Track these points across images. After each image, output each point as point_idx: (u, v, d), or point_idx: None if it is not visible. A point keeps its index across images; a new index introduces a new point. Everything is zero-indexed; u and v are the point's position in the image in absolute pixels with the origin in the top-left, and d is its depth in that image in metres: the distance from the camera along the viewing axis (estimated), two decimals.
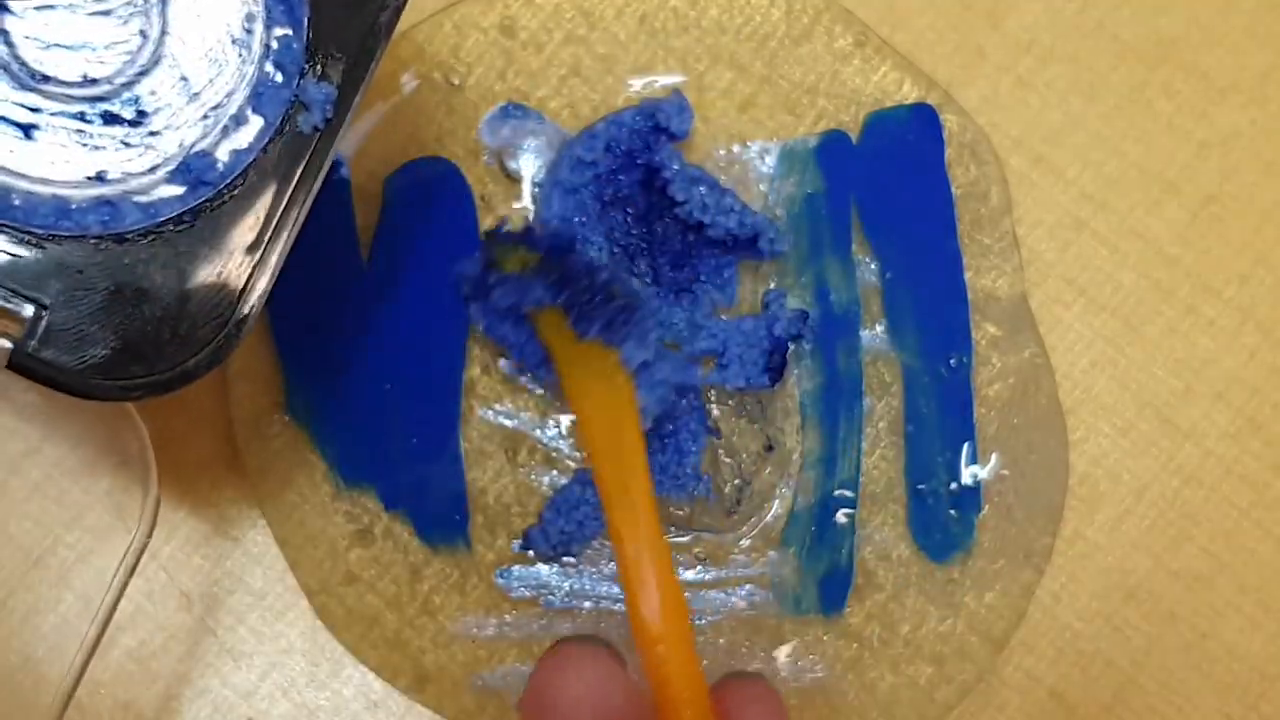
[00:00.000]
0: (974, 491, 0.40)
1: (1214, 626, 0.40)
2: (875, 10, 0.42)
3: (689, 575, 0.39)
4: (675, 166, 0.39)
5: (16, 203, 0.30)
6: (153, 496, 0.36)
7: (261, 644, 0.39)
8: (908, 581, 0.39)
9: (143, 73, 0.31)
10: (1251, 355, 0.41)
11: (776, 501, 0.40)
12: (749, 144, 0.41)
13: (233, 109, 0.31)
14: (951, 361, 0.40)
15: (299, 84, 0.31)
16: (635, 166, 0.40)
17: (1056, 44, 0.42)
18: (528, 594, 0.39)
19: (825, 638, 0.39)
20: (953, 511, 0.39)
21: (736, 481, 0.40)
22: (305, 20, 0.31)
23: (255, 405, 0.39)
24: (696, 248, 0.40)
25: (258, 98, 0.31)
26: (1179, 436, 0.41)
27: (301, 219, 0.31)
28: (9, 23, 0.30)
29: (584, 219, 0.39)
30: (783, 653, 0.39)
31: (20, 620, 0.39)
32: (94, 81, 0.31)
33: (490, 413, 0.40)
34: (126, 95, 0.31)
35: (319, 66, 0.31)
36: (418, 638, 0.39)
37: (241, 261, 0.31)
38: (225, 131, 0.31)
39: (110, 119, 0.31)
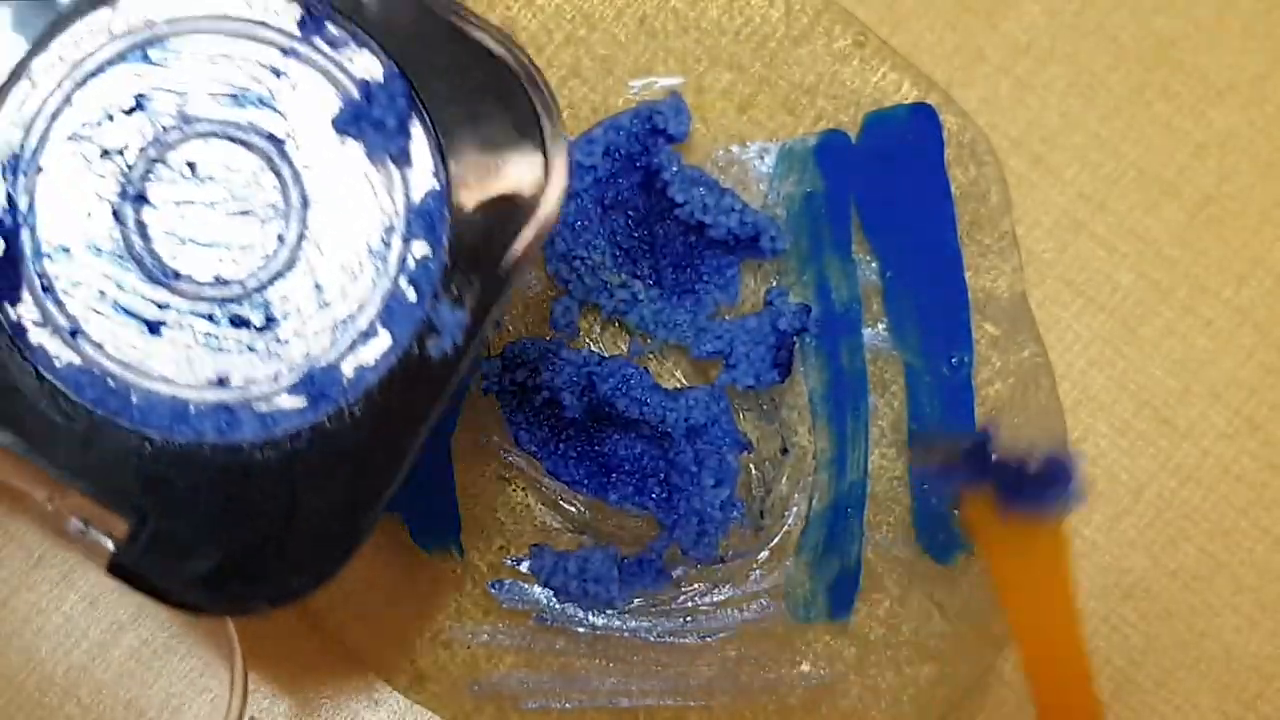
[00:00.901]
0: None
1: (1211, 625, 0.40)
2: (874, 11, 0.41)
3: (709, 600, 0.39)
4: (674, 168, 0.39)
5: (134, 401, 0.29)
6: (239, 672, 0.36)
7: (262, 644, 0.39)
8: (911, 582, 0.39)
9: (276, 277, 0.29)
10: (1249, 355, 0.41)
11: (794, 509, 0.39)
12: (748, 144, 0.40)
13: (363, 323, 0.29)
14: (953, 360, 0.39)
15: (432, 305, 0.29)
16: (634, 170, 0.39)
17: (1055, 45, 0.42)
18: (521, 608, 0.39)
19: (830, 641, 0.39)
20: (956, 512, 0.39)
21: (760, 493, 0.39)
22: (446, 240, 0.30)
23: None
24: (698, 248, 0.39)
25: (389, 314, 0.29)
26: (1176, 436, 0.41)
27: (420, 444, 0.29)
28: (148, 216, 0.29)
29: (585, 223, 0.39)
30: (793, 661, 0.39)
31: (22, 620, 0.39)
32: (226, 282, 0.29)
33: (485, 439, 0.39)
34: (257, 299, 0.29)
35: (454, 289, 0.29)
36: (416, 638, 0.38)
37: (355, 482, 0.29)
38: (353, 346, 0.29)
39: (238, 322, 0.29)
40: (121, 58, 0.29)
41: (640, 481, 0.39)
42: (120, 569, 0.28)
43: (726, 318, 0.40)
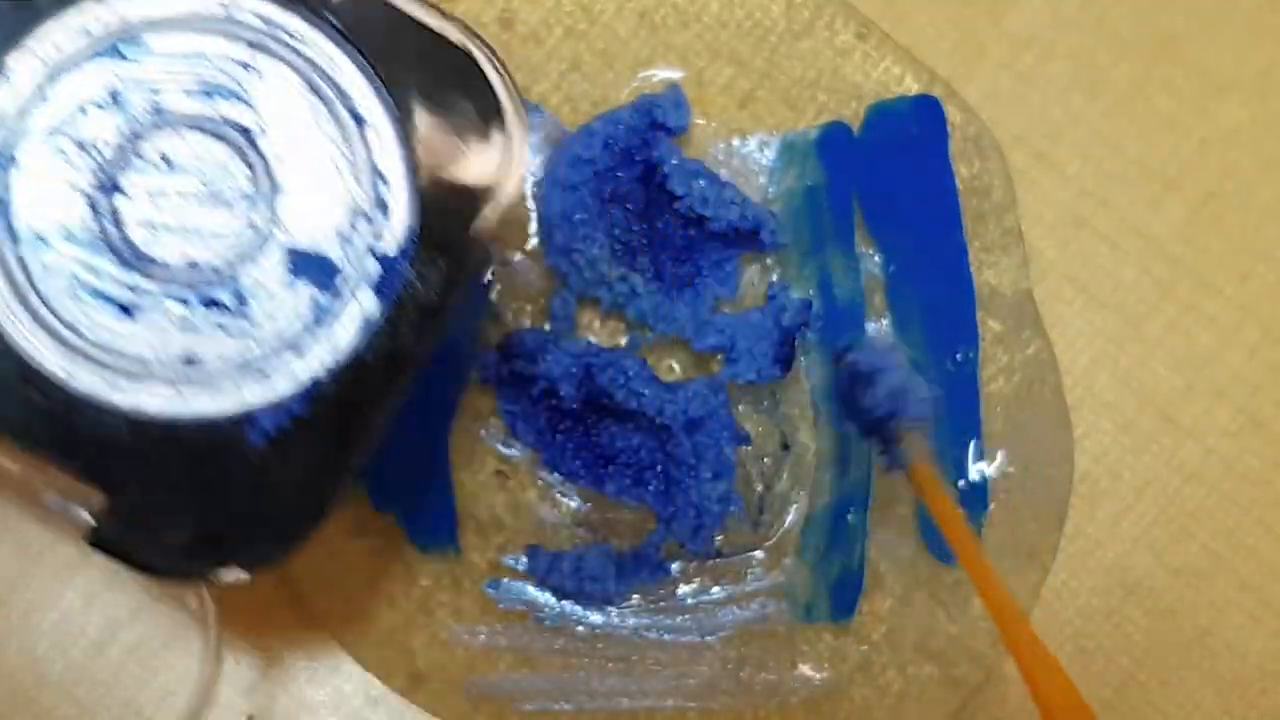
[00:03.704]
0: (981, 490, 0.38)
1: (1214, 623, 0.39)
2: (875, 5, 0.40)
3: (709, 598, 0.38)
4: (673, 161, 0.37)
5: (109, 381, 0.29)
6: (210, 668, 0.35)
7: (262, 639, 0.38)
8: (916, 583, 0.38)
9: (247, 260, 0.30)
10: (1252, 353, 0.39)
11: (794, 508, 0.38)
12: (748, 138, 0.39)
13: (331, 303, 0.30)
14: (958, 357, 0.38)
15: (398, 284, 0.30)
16: (634, 163, 0.38)
17: (1057, 40, 0.41)
18: (518, 607, 0.37)
19: (834, 642, 0.37)
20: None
21: (760, 488, 0.38)
22: (411, 221, 0.30)
23: None
24: (697, 242, 0.38)
25: (356, 293, 0.30)
26: (1180, 434, 0.39)
27: (388, 418, 0.30)
28: (122, 204, 0.30)
29: (584, 217, 0.37)
30: (794, 662, 0.38)
31: (20, 617, 0.37)
32: (198, 266, 0.30)
33: (483, 433, 0.38)
34: (228, 281, 0.30)
35: (420, 269, 0.30)
36: (414, 637, 0.37)
37: (326, 454, 0.30)
38: (322, 324, 0.30)
39: (210, 303, 0.30)
40: (96, 54, 0.30)
41: (637, 474, 0.37)
42: (100, 541, 0.29)
43: (726, 312, 0.38)
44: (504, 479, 0.38)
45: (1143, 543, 0.39)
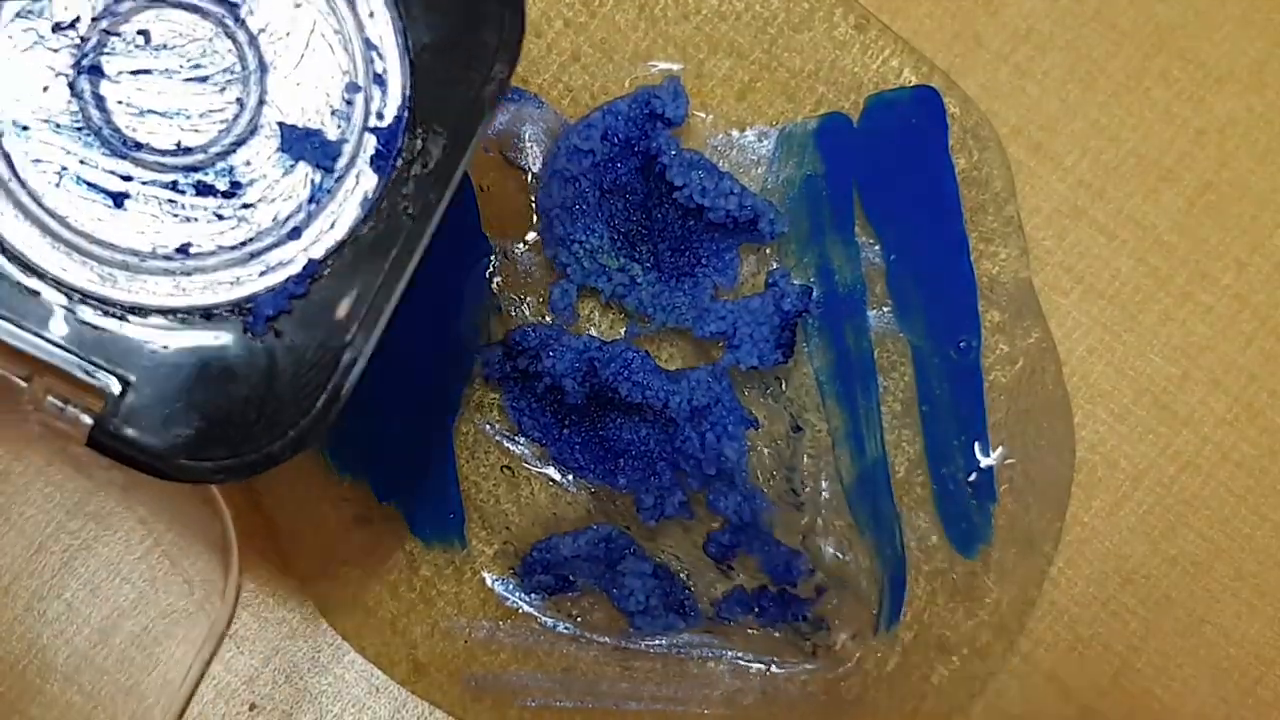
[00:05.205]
0: (989, 479, 0.37)
1: (1211, 611, 0.38)
2: None
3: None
4: (672, 152, 0.37)
5: (104, 272, 0.28)
6: (233, 581, 0.35)
7: (264, 629, 0.37)
8: (935, 576, 0.37)
9: (238, 143, 0.28)
10: (1249, 342, 0.39)
11: (825, 482, 0.37)
12: (747, 130, 0.38)
13: (329, 183, 0.28)
14: (960, 344, 0.37)
15: (398, 158, 0.28)
16: (633, 154, 0.37)
17: (1054, 32, 0.40)
18: (526, 610, 0.37)
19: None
20: (973, 501, 0.37)
21: (780, 471, 0.37)
22: (407, 94, 0.28)
23: None
24: (696, 232, 0.37)
25: (355, 170, 0.28)
26: (1176, 423, 0.39)
27: (396, 301, 0.28)
28: (104, 88, 0.28)
29: (583, 207, 0.37)
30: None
31: (24, 607, 0.37)
32: (188, 150, 0.28)
33: (489, 428, 0.37)
34: (221, 165, 0.28)
35: (419, 142, 0.28)
36: (415, 626, 0.36)
37: (332, 344, 0.27)
38: (320, 206, 0.28)
39: (203, 189, 0.28)
40: None
41: (648, 465, 0.37)
42: (100, 441, 0.27)
43: (726, 300, 0.38)
44: (510, 474, 0.37)
45: (1139, 531, 0.38)
